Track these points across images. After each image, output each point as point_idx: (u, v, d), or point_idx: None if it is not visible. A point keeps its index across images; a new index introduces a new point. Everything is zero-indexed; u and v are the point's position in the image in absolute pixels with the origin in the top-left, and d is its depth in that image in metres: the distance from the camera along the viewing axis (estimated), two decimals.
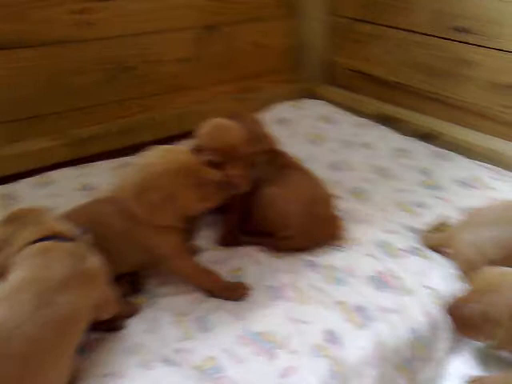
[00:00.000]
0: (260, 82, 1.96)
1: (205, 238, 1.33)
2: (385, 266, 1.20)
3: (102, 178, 1.56)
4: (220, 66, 1.92)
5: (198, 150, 1.21)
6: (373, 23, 1.95)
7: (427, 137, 1.78)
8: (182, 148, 1.17)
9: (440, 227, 1.32)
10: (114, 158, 1.69)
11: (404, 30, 1.85)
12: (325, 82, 2.14)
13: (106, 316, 1.02)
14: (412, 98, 1.88)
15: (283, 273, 1.19)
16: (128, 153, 1.63)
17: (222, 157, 1.20)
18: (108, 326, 1.06)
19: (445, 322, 1.09)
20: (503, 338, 0.97)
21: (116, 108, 1.80)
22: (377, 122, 1.88)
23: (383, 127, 1.84)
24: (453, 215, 1.36)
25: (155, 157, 1.10)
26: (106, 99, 1.77)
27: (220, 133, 1.23)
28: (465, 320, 1.02)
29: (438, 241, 1.27)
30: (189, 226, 1.24)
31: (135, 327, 1.06)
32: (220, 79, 1.92)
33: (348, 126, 1.85)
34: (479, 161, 1.64)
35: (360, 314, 1.07)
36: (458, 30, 1.70)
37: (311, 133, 1.82)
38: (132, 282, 1.18)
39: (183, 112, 1.86)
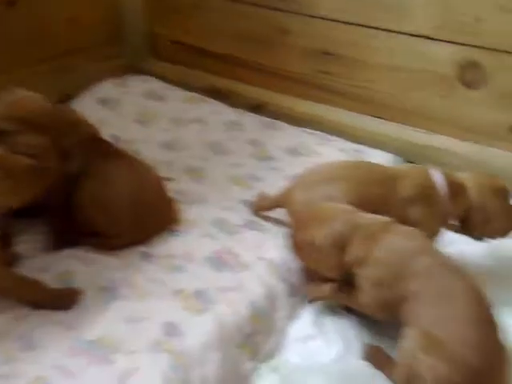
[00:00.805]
0: (76, 60, 1.77)
1: (24, 242, 1.18)
2: (223, 245, 1.19)
3: None
4: (28, 45, 1.70)
5: None
6: None
7: (257, 108, 1.80)
8: None
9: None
10: None
11: None
12: (149, 56, 2.02)
13: None
14: (239, 69, 1.87)
15: (117, 270, 1.11)
16: None
17: (17, 124, 1.01)
18: None
19: (282, 289, 1.12)
20: (324, 265, 1.05)
21: None
22: (207, 95, 1.83)
23: (214, 101, 1.80)
24: (285, 184, 1.39)
25: None
26: None
27: (14, 98, 1.06)
28: (298, 248, 1.10)
29: (272, 203, 1.29)
30: (3, 230, 1.09)
31: None
32: (29, 60, 1.70)
33: (178, 101, 1.77)
34: (305, 127, 1.71)
35: (200, 299, 1.05)
36: None
37: (138, 112, 1.71)
38: None
39: None
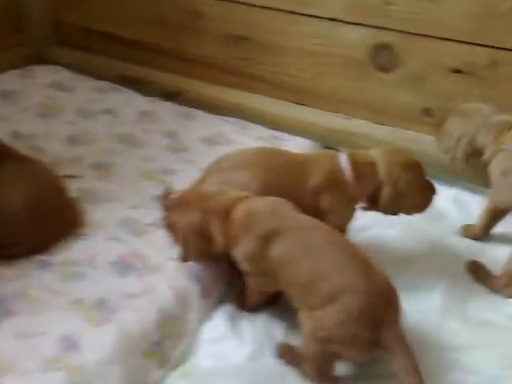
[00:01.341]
0: None
1: None
2: (129, 248, 1.12)
3: None
4: None
5: None
6: None
7: (173, 96, 1.73)
8: None
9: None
10: None
11: None
12: (55, 44, 1.89)
13: None
14: (152, 55, 1.79)
15: (10, 282, 1.02)
16: None
17: None
18: None
19: (194, 290, 1.07)
20: (191, 250, 1.04)
21: None
22: (118, 84, 1.74)
23: (126, 90, 1.72)
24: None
25: None
26: None
27: None
28: (169, 229, 1.08)
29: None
30: None
31: None
32: None
33: (86, 92, 1.67)
34: (224, 115, 1.66)
35: (102, 309, 0.98)
36: None
37: (43, 104, 1.60)
38: None
39: None
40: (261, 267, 0.99)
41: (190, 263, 1.09)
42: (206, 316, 1.07)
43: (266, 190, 1.07)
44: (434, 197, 1.18)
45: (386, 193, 1.12)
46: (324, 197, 1.11)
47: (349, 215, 1.16)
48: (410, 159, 1.17)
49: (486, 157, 1.25)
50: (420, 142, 1.52)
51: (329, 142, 1.59)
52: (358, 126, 1.58)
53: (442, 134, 1.34)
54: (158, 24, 1.74)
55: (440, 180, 1.45)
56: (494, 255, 1.26)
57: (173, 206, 1.07)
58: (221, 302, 1.11)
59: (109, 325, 0.95)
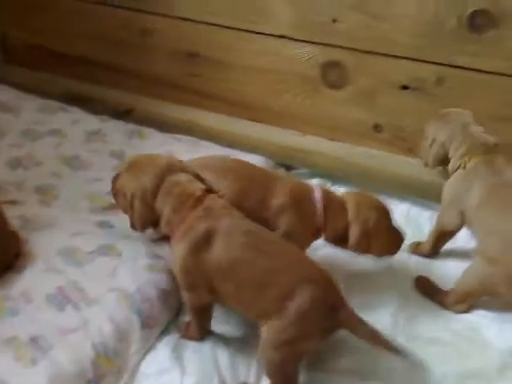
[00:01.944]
0: None
1: None
2: (68, 280, 1.08)
3: None
4: None
5: None
6: None
7: (122, 114, 1.68)
8: None
9: None
10: None
11: None
12: (1, 62, 1.83)
13: None
14: (101, 72, 1.75)
15: None
16: None
17: None
18: None
19: (135, 321, 1.03)
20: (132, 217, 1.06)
21: None
22: (66, 103, 1.68)
23: (74, 109, 1.66)
24: None
25: None
26: None
27: None
28: (114, 193, 1.13)
29: None
30: None
31: None
32: None
33: (31, 112, 1.61)
34: (175, 133, 1.62)
35: (34, 347, 0.94)
36: None
37: None
38: None
39: None
40: (194, 276, 0.99)
41: (131, 295, 1.06)
42: (148, 347, 1.04)
43: (239, 199, 1.09)
44: (402, 242, 1.18)
45: (354, 231, 1.14)
46: (284, 218, 1.11)
47: (305, 243, 1.15)
48: (379, 202, 1.19)
49: (449, 167, 1.25)
50: (371, 157, 1.52)
51: (282, 158, 1.57)
52: (311, 142, 1.57)
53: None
54: (107, 41, 1.70)
55: (391, 195, 1.47)
56: (443, 271, 1.27)
57: (124, 168, 1.09)
58: (165, 331, 1.08)
59: (41, 364, 0.91)
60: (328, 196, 1.16)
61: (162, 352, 1.03)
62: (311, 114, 1.57)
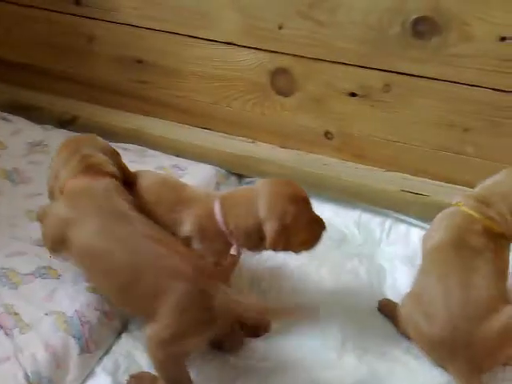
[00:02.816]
0: None
1: None
2: (2, 304, 1.02)
3: None
4: None
5: None
6: None
7: (67, 122, 1.62)
8: None
9: None
10: None
11: (11, 2, 1.61)
12: None
13: None
14: (46, 80, 1.68)
15: None
16: None
17: None
18: None
19: (73, 346, 0.99)
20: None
21: None
22: (10, 112, 1.61)
23: (16, 118, 1.59)
24: None
25: None
26: None
27: None
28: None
29: None
30: None
31: None
32: None
33: None
34: (123, 142, 1.56)
35: None
36: (77, 3, 1.56)
37: None
38: None
39: None
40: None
41: (69, 318, 1.02)
42: (86, 372, 1.00)
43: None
44: (322, 232, 1.10)
45: (269, 228, 1.02)
46: (197, 245, 1.05)
47: (223, 260, 1.08)
48: (297, 191, 1.08)
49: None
50: (323, 164, 1.50)
51: (233, 167, 1.54)
52: (262, 150, 1.55)
53: None
54: (51, 47, 1.64)
55: (342, 202, 1.48)
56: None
57: None
58: (106, 353, 1.05)
59: None
60: (228, 203, 1.07)
61: (102, 378, 0.99)
62: (262, 122, 1.54)
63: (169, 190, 1.13)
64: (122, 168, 1.15)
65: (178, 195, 1.11)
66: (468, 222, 1.10)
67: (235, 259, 1.09)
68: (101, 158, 1.10)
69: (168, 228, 1.05)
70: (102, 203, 1.01)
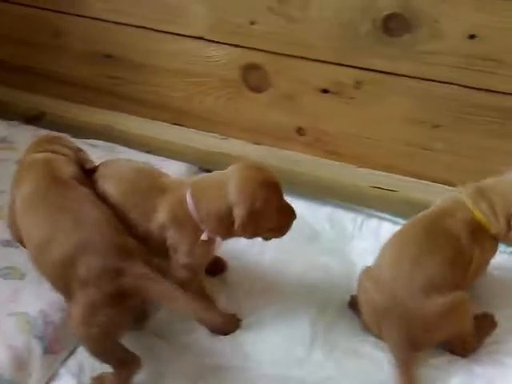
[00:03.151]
0: None
1: None
2: None
3: None
4: None
5: None
6: None
7: (34, 119, 1.59)
8: None
9: None
10: None
11: None
12: None
13: None
14: (12, 75, 1.63)
15: None
16: None
17: None
18: None
19: (36, 347, 0.97)
20: None
21: None
22: None
23: None
24: None
25: None
26: None
27: None
28: None
29: None
30: None
31: None
32: None
33: None
34: (93, 139, 1.53)
35: None
36: None
37: None
38: None
39: None
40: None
41: (32, 319, 0.99)
42: (50, 374, 0.98)
43: (123, 206, 1.07)
44: (292, 220, 1.09)
45: (238, 213, 1.01)
46: (169, 234, 1.05)
47: (199, 253, 1.07)
48: (268, 176, 1.06)
49: None
50: (295, 161, 1.50)
51: (205, 164, 1.52)
52: (234, 146, 1.53)
53: None
54: (17, 42, 1.60)
55: (314, 198, 1.47)
56: None
57: None
58: (71, 354, 1.02)
59: None
60: (199, 188, 1.06)
61: (66, 379, 0.97)
62: (235, 118, 1.53)
63: (144, 177, 1.12)
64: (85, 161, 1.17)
65: (154, 182, 1.10)
66: (456, 207, 1.10)
67: (210, 248, 1.08)
68: (61, 150, 1.13)
69: (145, 215, 1.05)
70: (40, 170, 1.06)
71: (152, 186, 1.10)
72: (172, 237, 1.05)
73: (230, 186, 1.03)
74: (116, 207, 1.07)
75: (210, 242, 1.07)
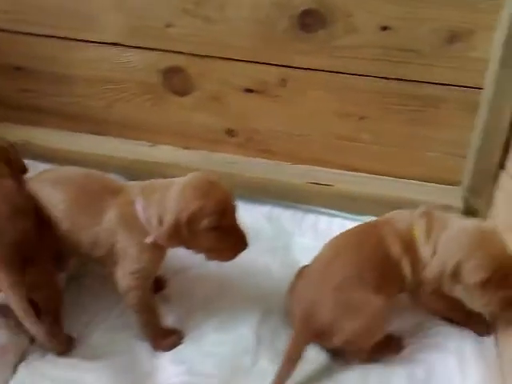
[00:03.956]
0: None
1: None
2: None
3: None
4: None
5: None
6: None
7: None
8: None
9: None
10: None
11: None
12: None
13: None
14: None
15: None
16: None
17: None
18: None
19: None
20: None
21: None
22: None
23: None
24: None
25: None
26: None
27: None
28: None
29: None
30: None
31: None
32: None
33: None
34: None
35: None
36: None
37: None
38: None
39: None
40: None
41: None
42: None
43: (72, 212, 1.05)
44: (240, 249, 1.02)
45: (165, 219, 0.97)
46: (118, 237, 1.02)
47: (147, 258, 1.02)
48: (216, 192, 0.99)
49: None
50: (228, 163, 1.48)
51: (134, 174, 1.44)
52: (163, 152, 1.49)
53: None
54: None
55: (251, 199, 1.45)
56: None
57: None
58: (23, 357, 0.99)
59: None
60: (147, 192, 1.03)
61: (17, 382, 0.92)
62: (161, 123, 1.48)
63: (93, 181, 1.10)
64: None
65: (104, 186, 1.07)
66: (399, 219, 1.09)
67: (158, 256, 1.05)
68: None
69: (94, 218, 1.02)
70: None
71: (103, 188, 1.07)
72: (120, 240, 1.01)
73: (171, 191, 0.99)
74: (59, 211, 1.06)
75: (158, 248, 1.02)
